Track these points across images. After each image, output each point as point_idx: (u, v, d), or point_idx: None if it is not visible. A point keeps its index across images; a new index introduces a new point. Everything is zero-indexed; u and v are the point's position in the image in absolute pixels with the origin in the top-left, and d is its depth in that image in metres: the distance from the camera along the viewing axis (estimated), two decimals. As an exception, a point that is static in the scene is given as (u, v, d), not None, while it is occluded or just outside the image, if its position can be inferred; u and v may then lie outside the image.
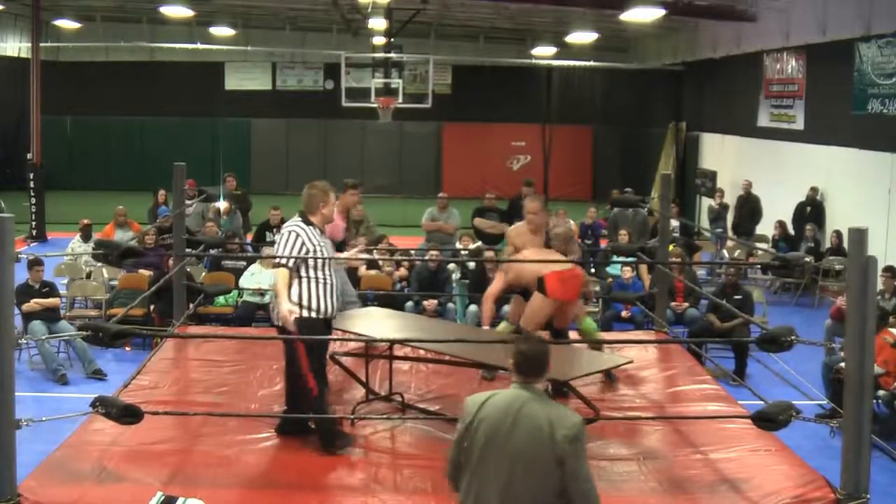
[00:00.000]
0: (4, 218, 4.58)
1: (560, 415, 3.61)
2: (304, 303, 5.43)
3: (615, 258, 12.34)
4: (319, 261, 5.50)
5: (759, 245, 14.99)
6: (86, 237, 12.87)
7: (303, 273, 5.46)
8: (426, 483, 4.98)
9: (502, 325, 6.92)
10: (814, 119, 15.70)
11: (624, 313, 10.99)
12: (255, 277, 10.89)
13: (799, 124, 16.20)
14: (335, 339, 7.02)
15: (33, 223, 17.86)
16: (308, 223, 5.57)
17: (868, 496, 4.70)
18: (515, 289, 6.76)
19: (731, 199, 17.10)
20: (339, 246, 7.49)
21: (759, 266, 13.47)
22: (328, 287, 5.53)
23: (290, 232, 5.49)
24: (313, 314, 5.46)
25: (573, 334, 7.13)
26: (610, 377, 6.69)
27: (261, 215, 13.83)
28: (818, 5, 15.06)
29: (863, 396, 4.66)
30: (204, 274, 11.45)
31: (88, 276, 11.99)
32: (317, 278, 5.48)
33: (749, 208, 15.76)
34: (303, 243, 5.45)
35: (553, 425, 3.54)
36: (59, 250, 14.83)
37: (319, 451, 5.36)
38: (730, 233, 15.82)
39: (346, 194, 7.72)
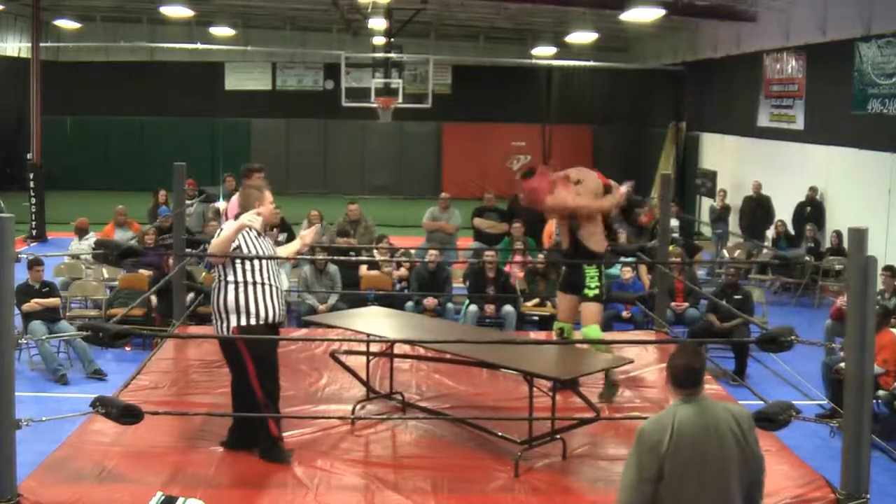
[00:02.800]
0: (4, 218, 4.58)
1: (735, 410, 3.66)
2: (245, 309, 5.19)
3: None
4: (257, 264, 5.24)
5: (761, 245, 14.99)
6: (80, 234, 12.92)
7: (240, 278, 5.21)
8: (426, 483, 4.98)
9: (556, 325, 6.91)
10: (814, 119, 15.70)
11: (624, 313, 10.99)
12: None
13: (799, 124, 16.20)
14: (336, 340, 7.03)
15: (33, 223, 17.86)
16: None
17: (868, 496, 4.70)
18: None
19: (731, 199, 17.10)
20: None
21: (759, 265, 13.50)
22: (270, 290, 5.26)
23: (217, 231, 5.35)
24: (254, 320, 5.22)
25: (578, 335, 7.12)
26: (610, 390, 6.49)
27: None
28: (818, 5, 15.06)
29: (863, 396, 4.66)
30: (204, 274, 11.45)
31: (79, 257, 12.03)
32: (255, 282, 5.23)
33: (763, 209, 15.71)
34: (238, 247, 5.25)
35: (739, 423, 3.56)
36: (59, 250, 14.83)
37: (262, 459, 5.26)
38: (739, 233, 15.80)
39: (251, 179, 7.31)
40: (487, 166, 25.64)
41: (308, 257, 11.23)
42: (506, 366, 5.72)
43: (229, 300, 5.21)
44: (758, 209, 15.72)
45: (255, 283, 5.24)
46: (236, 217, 5.45)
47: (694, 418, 3.51)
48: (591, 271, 6.58)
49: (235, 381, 5.41)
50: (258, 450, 5.29)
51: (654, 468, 3.45)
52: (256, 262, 5.27)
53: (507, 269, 11.32)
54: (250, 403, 5.27)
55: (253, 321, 5.22)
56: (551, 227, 13.17)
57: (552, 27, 22.55)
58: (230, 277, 5.23)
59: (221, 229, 5.40)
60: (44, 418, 4.97)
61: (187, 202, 9.50)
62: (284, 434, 5.55)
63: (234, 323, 5.21)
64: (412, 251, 12.74)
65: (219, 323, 5.29)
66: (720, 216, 16.61)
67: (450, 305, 11.24)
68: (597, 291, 6.58)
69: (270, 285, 5.30)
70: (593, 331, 6.51)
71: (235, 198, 7.31)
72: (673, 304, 10.64)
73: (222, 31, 23.45)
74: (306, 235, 5.84)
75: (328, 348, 7.04)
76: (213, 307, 5.31)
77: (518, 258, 11.58)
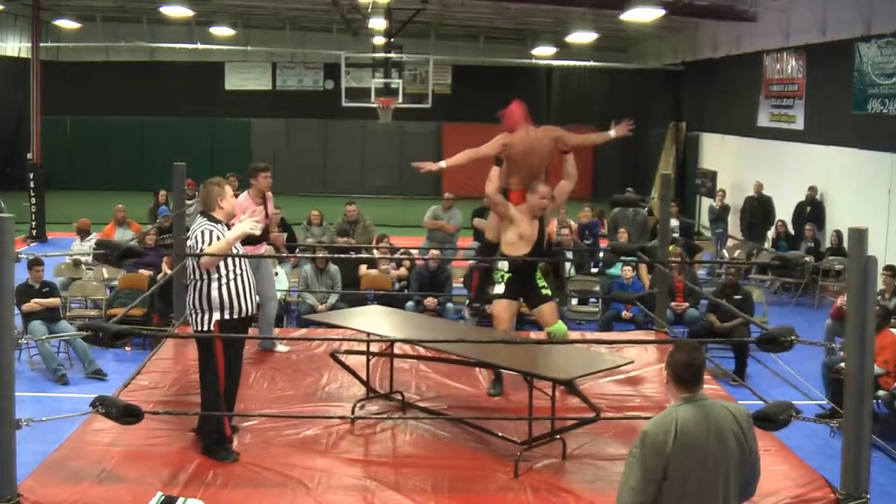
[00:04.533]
0: (4, 218, 4.58)
1: (734, 409, 3.65)
2: (228, 304, 5.31)
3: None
4: (234, 258, 5.39)
5: (758, 246, 14.99)
6: (82, 235, 12.93)
7: (222, 272, 5.31)
8: (426, 483, 4.98)
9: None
10: (814, 119, 15.70)
11: (624, 313, 11.00)
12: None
13: (799, 124, 16.20)
14: (336, 339, 7.03)
15: (33, 223, 17.87)
16: (214, 221, 5.44)
17: (868, 496, 4.70)
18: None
19: (731, 199, 17.11)
20: (260, 237, 7.07)
21: (759, 265, 13.49)
22: (244, 285, 5.41)
23: (202, 231, 5.33)
24: (236, 315, 5.36)
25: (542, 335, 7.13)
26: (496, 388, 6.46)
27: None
28: (818, 5, 15.06)
29: (863, 396, 4.66)
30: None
31: (77, 263, 12.05)
32: (236, 277, 5.35)
33: (764, 209, 15.72)
34: (218, 239, 5.32)
35: (739, 422, 3.57)
36: (60, 250, 14.83)
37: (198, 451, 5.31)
38: (739, 234, 15.80)
39: (257, 179, 7.37)
40: (488, 166, 25.61)
41: (308, 255, 11.26)
42: (506, 366, 5.72)
43: (213, 296, 5.30)
44: (759, 209, 15.72)
45: (235, 279, 5.37)
46: (205, 213, 5.51)
47: (696, 418, 3.51)
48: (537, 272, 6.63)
49: (202, 373, 5.44)
50: (202, 445, 5.31)
51: (659, 470, 3.46)
52: (234, 258, 5.39)
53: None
54: (214, 396, 5.34)
55: (235, 315, 5.36)
56: (553, 226, 13.19)
57: (552, 27, 22.55)
58: (214, 274, 5.31)
59: (202, 231, 5.34)
60: (44, 418, 4.97)
61: (187, 202, 9.48)
62: (284, 434, 5.58)
63: (216, 317, 5.31)
64: (413, 251, 12.74)
65: (198, 317, 5.35)
66: (719, 216, 16.62)
67: (450, 305, 11.24)
68: (549, 290, 6.61)
69: (248, 280, 5.45)
70: (562, 327, 6.60)
71: (244, 195, 7.34)
72: (673, 304, 10.64)
73: (222, 31, 23.45)
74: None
75: (328, 348, 7.04)
76: (193, 302, 5.36)
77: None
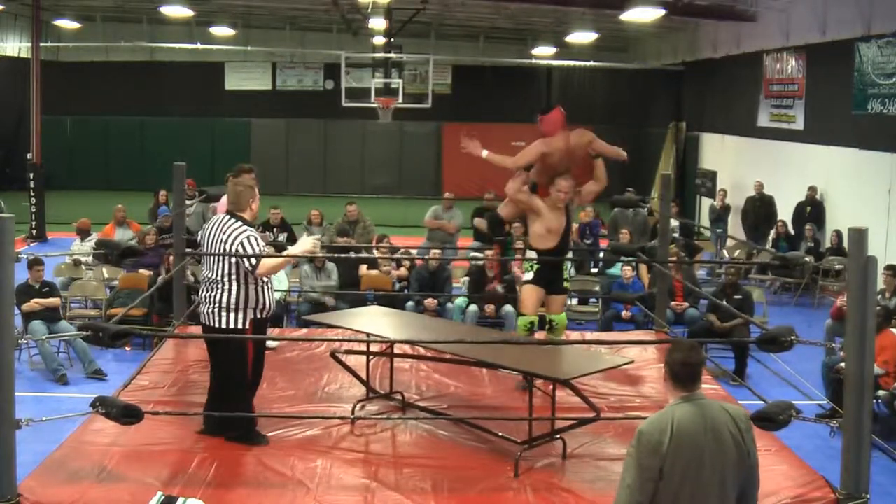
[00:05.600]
0: (4, 218, 4.58)
1: (733, 410, 3.63)
2: (262, 304, 5.49)
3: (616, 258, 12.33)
4: None
5: (760, 245, 14.99)
6: (83, 235, 12.93)
7: (247, 276, 5.41)
8: (426, 483, 4.98)
9: (520, 320, 6.88)
10: (814, 119, 15.71)
11: (624, 313, 11.00)
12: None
13: (799, 124, 16.21)
14: (336, 340, 7.03)
15: (33, 223, 17.87)
16: (248, 223, 5.52)
17: (868, 496, 4.70)
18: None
19: (731, 199, 17.10)
20: None
21: (759, 265, 13.48)
22: (270, 285, 5.60)
23: (247, 238, 5.39)
24: (265, 314, 5.56)
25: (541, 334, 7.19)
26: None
27: (260, 215, 13.78)
28: (818, 5, 15.07)
29: (863, 396, 4.66)
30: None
31: (77, 263, 12.06)
32: (264, 280, 5.50)
33: (766, 209, 15.73)
34: (260, 246, 5.45)
35: (737, 423, 3.55)
36: (60, 250, 14.83)
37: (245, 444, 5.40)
38: (741, 234, 15.81)
39: (242, 179, 7.54)
40: (487, 166, 25.56)
41: (308, 255, 11.26)
42: (506, 366, 5.72)
43: (251, 296, 5.44)
44: (761, 209, 15.72)
45: (269, 280, 5.58)
46: (236, 214, 5.57)
47: (692, 418, 3.50)
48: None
49: (225, 371, 5.50)
50: (234, 435, 5.39)
51: (655, 469, 3.46)
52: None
53: (509, 268, 11.30)
54: (242, 392, 5.47)
55: (264, 314, 5.57)
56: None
57: (552, 27, 22.56)
58: (249, 275, 5.41)
59: (248, 238, 5.39)
60: (44, 418, 4.97)
61: (187, 202, 9.47)
62: (284, 434, 5.58)
63: (250, 317, 5.46)
64: (413, 251, 12.74)
65: (231, 316, 5.42)
66: (720, 216, 16.62)
67: (449, 305, 11.23)
68: (569, 284, 6.99)
69: (268, 281, 5.62)
70: (563, 318, 6.94)
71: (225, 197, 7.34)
72: (673, 304, 10.64)
73: (222, 31, 23.46)
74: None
75: (328, 348, 7.04)
76: (226, 301, 5.41)
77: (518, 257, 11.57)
